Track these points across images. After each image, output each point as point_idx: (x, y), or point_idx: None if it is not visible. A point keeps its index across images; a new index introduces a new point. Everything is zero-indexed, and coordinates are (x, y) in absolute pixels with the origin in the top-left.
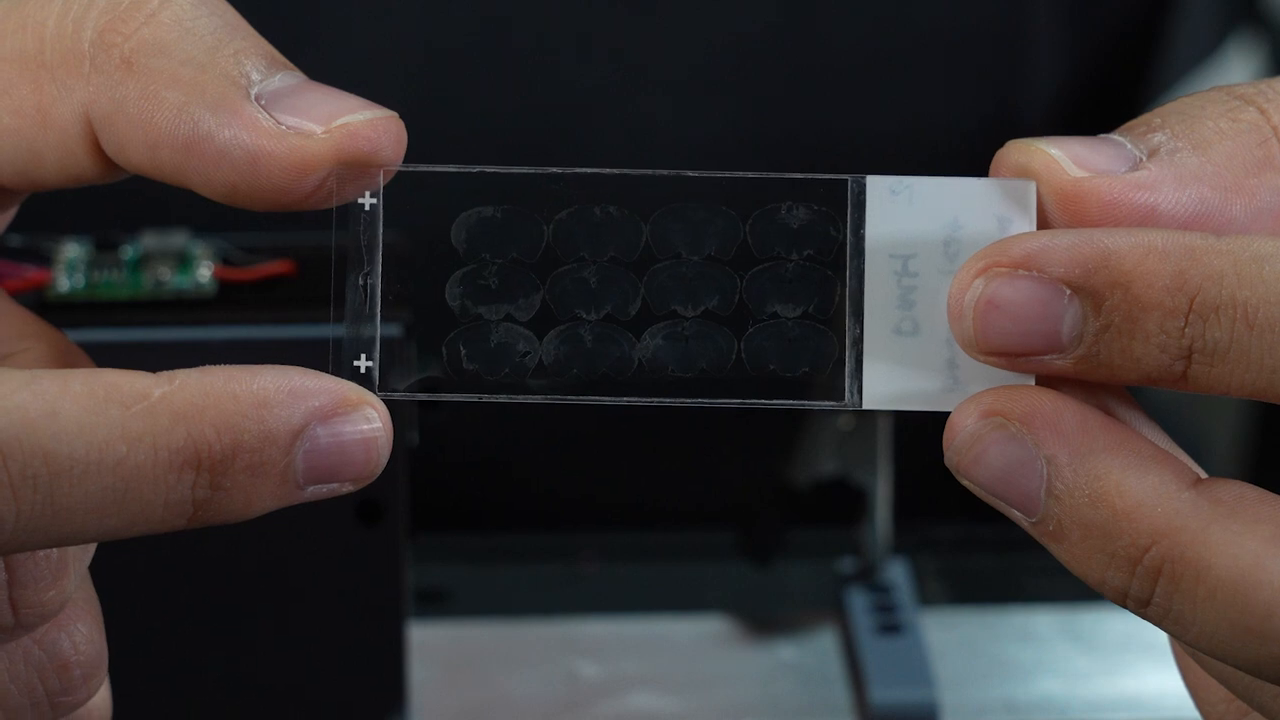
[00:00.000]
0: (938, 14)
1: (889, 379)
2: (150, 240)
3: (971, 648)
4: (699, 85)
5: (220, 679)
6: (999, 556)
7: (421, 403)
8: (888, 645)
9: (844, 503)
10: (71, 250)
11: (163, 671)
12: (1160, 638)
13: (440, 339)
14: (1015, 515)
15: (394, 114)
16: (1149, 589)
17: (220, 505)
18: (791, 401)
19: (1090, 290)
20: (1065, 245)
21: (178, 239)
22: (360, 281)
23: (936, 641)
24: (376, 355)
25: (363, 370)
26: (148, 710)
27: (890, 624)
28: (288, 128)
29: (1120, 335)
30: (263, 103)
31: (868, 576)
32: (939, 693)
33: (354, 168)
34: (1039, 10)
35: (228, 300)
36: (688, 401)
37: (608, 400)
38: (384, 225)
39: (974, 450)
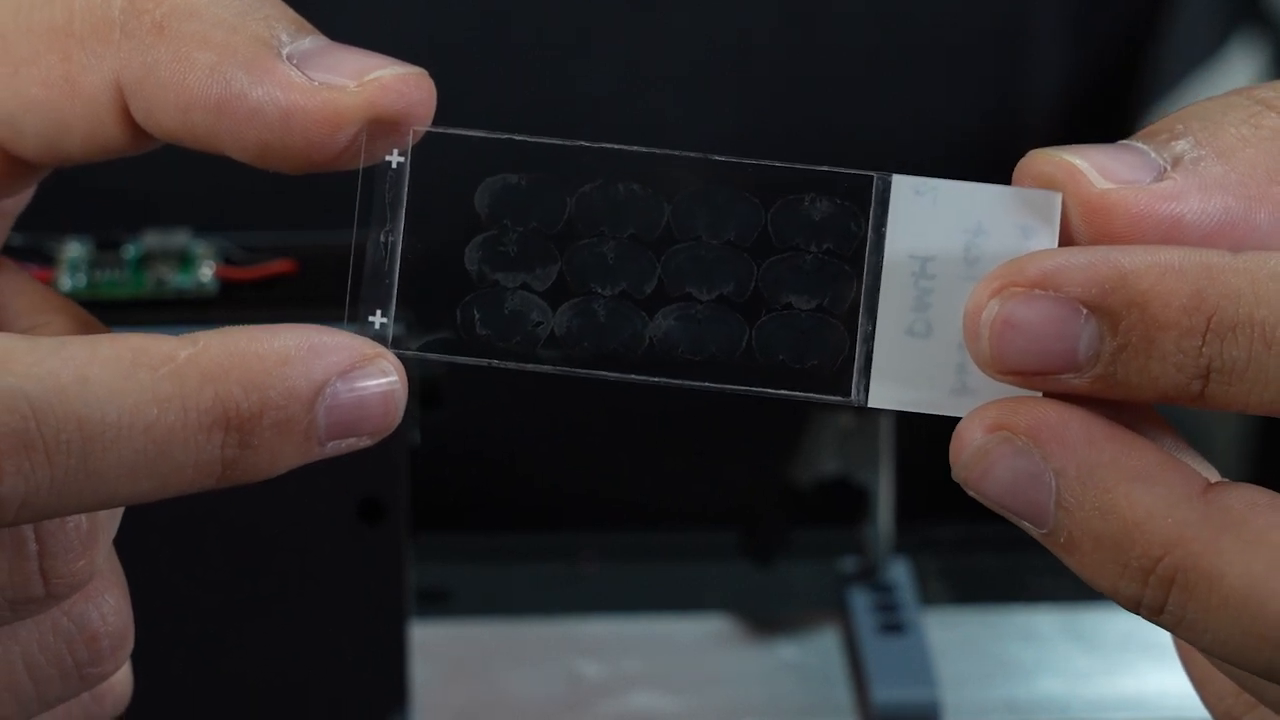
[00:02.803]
0: (941, 12)
1: (897, 379)
2: (152, 239)
3: (973, 647)
4: (702, 83)
5: (222, 678)
6: (1001, 556)
7: (423, 402)
8: (889, 645)
9: (846, 502)
10: (73, 249)
11: (164, 670)
12: (1161, 637)
13: (455, 302)
14: (1026, 527)
15: (423, 70)
16: (1162, 598)
17: (248, 464)
18: (797, 393)
19: (1107, 310)
20: (1082, 264)
21: (179, 238)
22: (381, 238)
23: (938, 641)
24: (392, 312)
25: (377, 326)
26: (148, 709)
27: (892, 623)
28: (320, 83)
29: (1137, 355)
30: (294, 61)
31: (869, 576)
32: (941, 692)
33: (385, 124)
34: (1042, 8)
35: (229, 299)
36: (694, 384)
37: (615, 376)
38: (409, 184)
39: (981, 465)
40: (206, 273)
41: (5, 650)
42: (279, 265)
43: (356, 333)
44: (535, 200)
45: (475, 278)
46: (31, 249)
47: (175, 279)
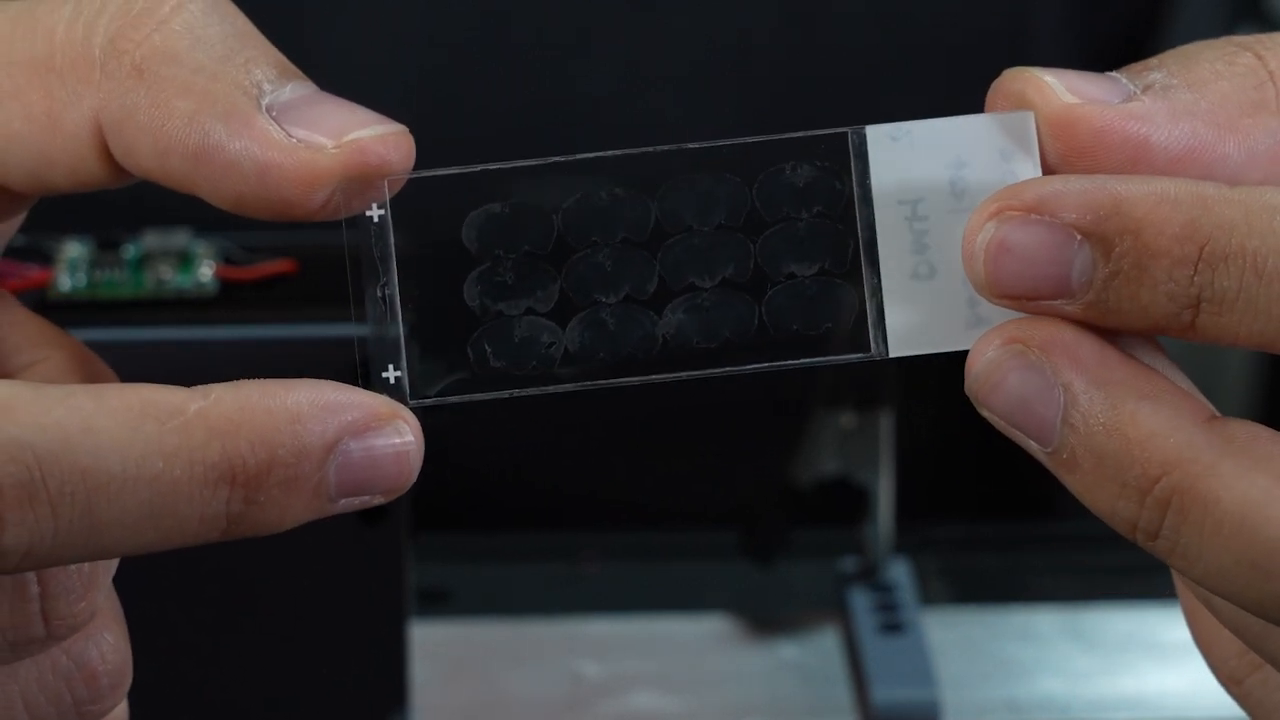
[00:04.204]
0: (941, 12)
1: (912, 324)
2: (152, 239)
3: (973, 647)
4: (702, 83)
5: (222, 678)
6: (1001, 556)
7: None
8: (889, 644)
9: (846, 502)
10: (73, 249)
11: (164, 671)
12: (1162, 637)
13: (464, 340)
14: (1031, 446)
15: (404, 129)
16: (1158, 520)
17: (254, 519)
18: (818, 359)
19: (1100, 236)
20: (1078, 190)
21: (179, 238)
22: (378, 293)
23: (938, 641)
24: (404, 365)
25: (392, 381)
26: (148, 709)
27: (892, 623)
28: (298, 141)
29: (1129, 282)
30: (273, 114)
31: (869, 576)
32: (941, 692)
33: (360, 182)
34: (1042, 9)
35: (229, 299)
36: (716, 371)
37: (637, 380)
38: (394, 234)
39: (994, 377)
40: (206, 273)
41: (4, 689)
42: (279, 265)
43: (372, 389)
44: (522, 224)
45: (479, 312)
46: (31, 249)
47: (175, 279)
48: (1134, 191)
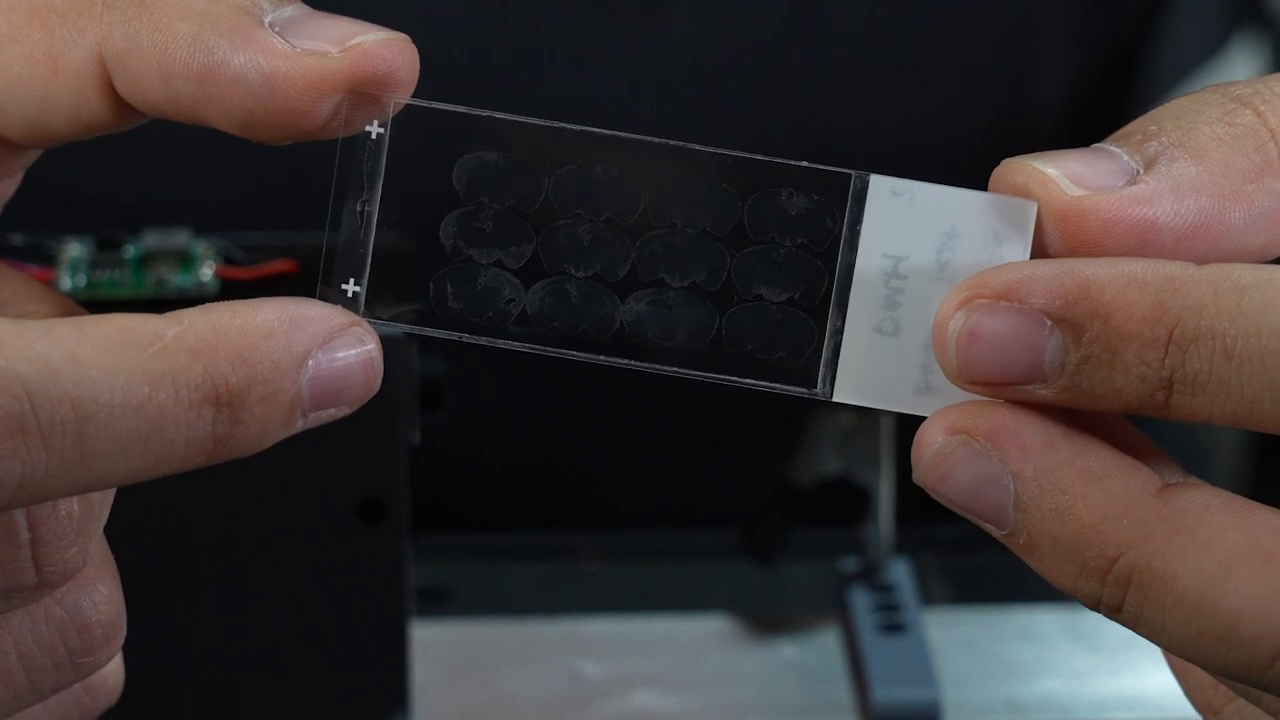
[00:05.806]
0: (943, 19)
1: (862, 375)
2: (152, 239)
3: (974, 647)
4: (703, 89)
5: (221, 678)
6: (1001, 555)
7: (423, 402)
8: (890, 644)
9: (847, 502)
10: (74, 249)
11: (163, 670)
12: None
13: (428, 274)
14: (988, 528)
15: (406, 36)
16: (1119, 597)
17: (237, 439)
18: (763, 383)
19: (1071, 321)
20: (1046, 276)
21: (180, 238)
22: (358, 208)
23: (939, 641)
24: (365, 281)
25: (350, 294)
26: (148, 709)
27: (893, 623)
28: (302, 50)
29: (1101, 366)
30: (276, 29)
31: (870, 576)
32: (941, 692)
33: (367, 94)
34: (1045, 13)
35: (230, 299)
36: (660, 369)
37: (584, 357)
38: (387, 154)
39: (941, 468)
40: (206, 273)
41: None
42: (279, 265)
43: (330, 300)
44: (513, 179)
45: (450, 252)
46: (31, 249)
47: (175, 279)
48: (1101, 275)
